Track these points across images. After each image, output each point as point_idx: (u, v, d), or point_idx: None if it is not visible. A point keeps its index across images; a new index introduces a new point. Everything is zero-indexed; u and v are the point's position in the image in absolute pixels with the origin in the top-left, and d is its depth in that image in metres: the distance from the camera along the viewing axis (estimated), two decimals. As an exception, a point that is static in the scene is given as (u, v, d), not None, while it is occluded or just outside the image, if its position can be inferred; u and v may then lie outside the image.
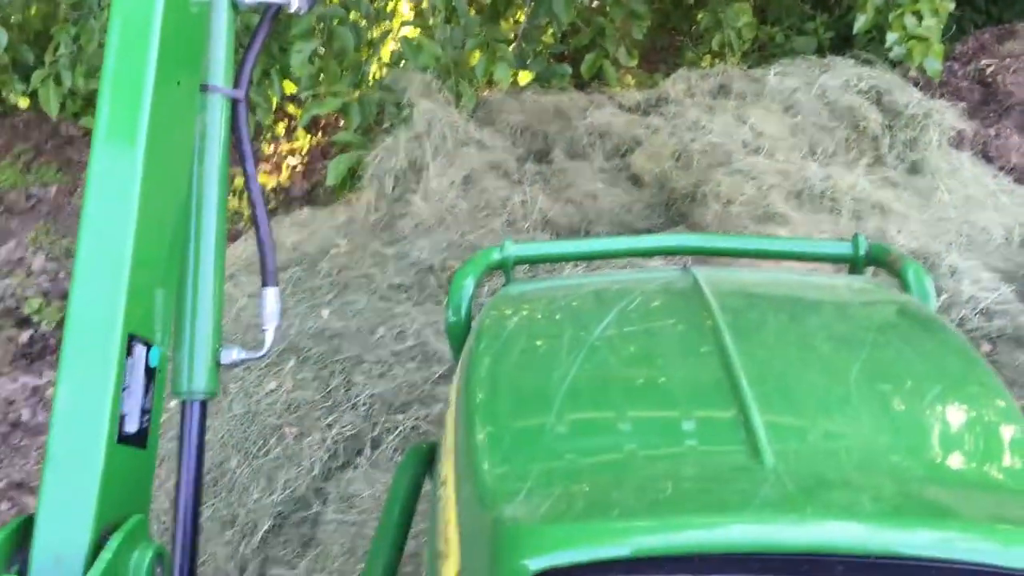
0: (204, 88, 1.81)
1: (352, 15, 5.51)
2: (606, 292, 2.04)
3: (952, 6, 5.52)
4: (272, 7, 1.91)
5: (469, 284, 2.25)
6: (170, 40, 1.61)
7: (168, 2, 1.60)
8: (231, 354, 1.85)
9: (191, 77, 1.74)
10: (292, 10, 1.91)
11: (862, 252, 2.26)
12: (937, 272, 3.93)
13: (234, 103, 1.87)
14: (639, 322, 1.76)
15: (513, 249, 2.40)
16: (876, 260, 2.26)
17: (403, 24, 6.27)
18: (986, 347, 3.57)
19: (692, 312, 1.72)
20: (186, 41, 1.71)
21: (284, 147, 8.07)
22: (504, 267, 2.40)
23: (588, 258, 3.60)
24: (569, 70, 6.32)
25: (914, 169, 5.16)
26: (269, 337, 1.96)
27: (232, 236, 5.09)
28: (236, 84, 1.88)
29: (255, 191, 1.92)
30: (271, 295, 1.97)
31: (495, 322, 1.87)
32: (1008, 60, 6.54)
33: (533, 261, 2.81)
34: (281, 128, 7.91)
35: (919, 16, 5.47)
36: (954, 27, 6.44)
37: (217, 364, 1.83)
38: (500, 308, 1.96)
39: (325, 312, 4.20)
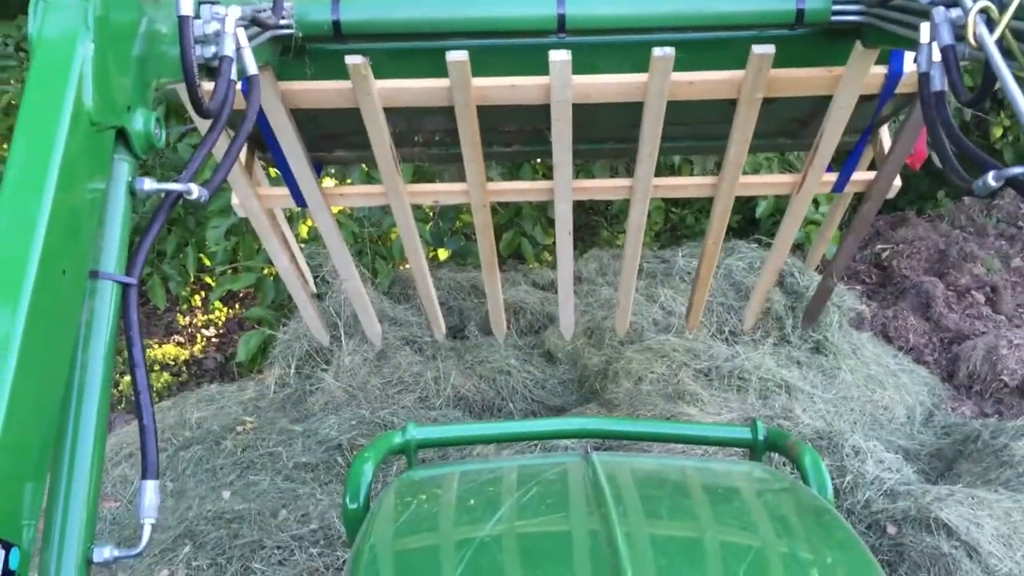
0: (94, 275, 1.78)
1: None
2: (503, 482, 2.01)
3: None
4: (171, 194, 1.91)
5: (368, 470, 2.19)
6: (58, 229, 1.59)
7: (59, 189, 1.59)
8: (103, 552, 1.75)
9: (79, 265, 1.71)
10: (192, 197, 1.91)
11: (761, 437, 2.33)
12: (841, 452, 3.98)
13: (125, 289, 1.84)
14: (530, 517, 1.73)
15: (415, 432, 2.38)
16: (774, 446, 2.33)
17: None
18: (891, 529, 3.58)
19: (585, 507, 1.71)
20: (76, 229, 1.69)
21: (200, 318, 7.99)
22: (406, 451, 2.36)
23: (491, 441, 3.60)
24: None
25: (817, 348, 5.31)
26: (146, 533, 1.85)
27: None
28: (128, 271, 1.85)
29: (140, 378, 1.86)
30: (150, 488, 1.88)
31: (387, 515, 1.82)
32: (901, 245, 6.93)
33: (435, 445, 2.76)
34: (197, 299, 7.84)
35: (816, 203, 5.81)
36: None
37: (88, 563, 1.72)
38: (395, 498, 1.91)
39: (226, 493, 4.04)
